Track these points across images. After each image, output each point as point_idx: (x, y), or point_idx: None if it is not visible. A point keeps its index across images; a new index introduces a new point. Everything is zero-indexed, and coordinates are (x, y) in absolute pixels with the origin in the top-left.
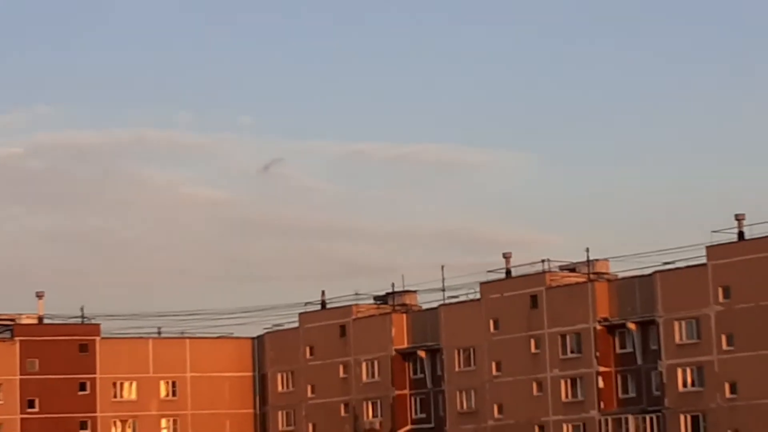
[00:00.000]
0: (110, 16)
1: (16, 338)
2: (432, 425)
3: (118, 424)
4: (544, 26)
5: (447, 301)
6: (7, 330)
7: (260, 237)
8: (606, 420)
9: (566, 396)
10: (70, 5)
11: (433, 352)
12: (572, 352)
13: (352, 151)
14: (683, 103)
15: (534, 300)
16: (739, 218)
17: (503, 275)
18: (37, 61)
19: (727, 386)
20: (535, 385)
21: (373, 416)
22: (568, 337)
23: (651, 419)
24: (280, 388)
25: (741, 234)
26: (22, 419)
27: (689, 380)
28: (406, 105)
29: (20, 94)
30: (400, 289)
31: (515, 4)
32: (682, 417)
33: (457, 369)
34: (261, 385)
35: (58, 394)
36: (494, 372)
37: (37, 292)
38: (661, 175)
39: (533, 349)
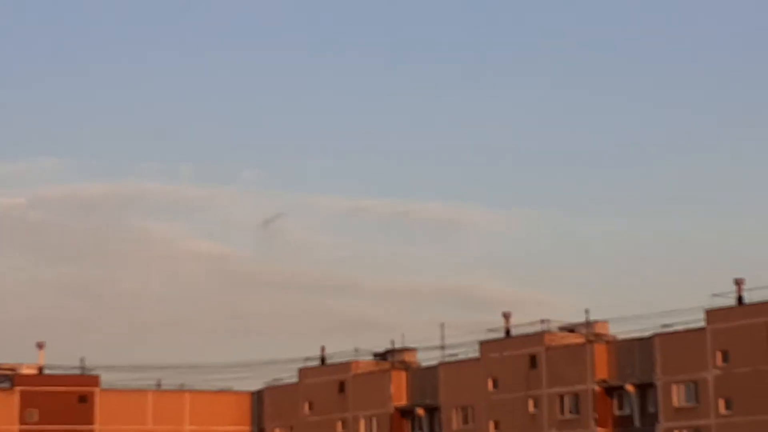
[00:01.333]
0: (114, 70)
1: (16, 388)
2: None
3: None
4: (542, 84)
5: (446, 360)
6: (7, 380)
7: (260, 291)
8: None
9: None
10: (74, 60)
11: (432, 410)
12: (570, 412)
13: (353, 207)
14: (683, 164)
15: (533, 360)
16: (738, 282)
17: (503, 335)
18: (40, 114)
19: None
20: None
21: None
22: (566, 398)
23: None
24: None
25: (740, 298)
26: None
27: None
28: (407, 163)
29: (24, 146)
30: (400, 346)
31: (512, 64)
32: None
33: (455, 427)
34: None
35: None
36: (492, 431)
37: (37, 342)
38: (661, 237)
39: (531, 409)
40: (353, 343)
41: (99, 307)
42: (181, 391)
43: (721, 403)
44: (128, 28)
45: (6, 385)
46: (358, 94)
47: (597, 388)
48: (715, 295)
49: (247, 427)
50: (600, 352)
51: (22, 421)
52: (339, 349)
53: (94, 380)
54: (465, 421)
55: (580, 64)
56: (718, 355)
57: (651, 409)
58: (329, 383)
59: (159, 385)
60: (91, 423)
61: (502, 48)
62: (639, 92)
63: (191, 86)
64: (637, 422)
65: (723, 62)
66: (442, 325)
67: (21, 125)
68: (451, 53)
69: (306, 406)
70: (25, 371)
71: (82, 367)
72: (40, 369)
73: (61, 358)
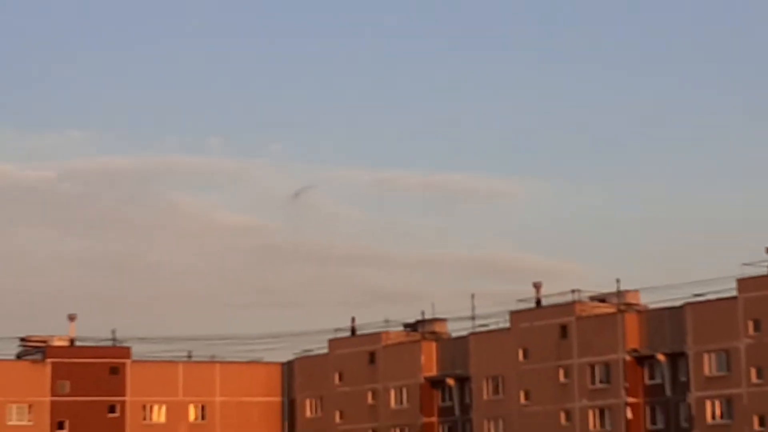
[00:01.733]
0: (142, 43)
1: (48, 360)
2: None
3: None
4: (569, 54)
5: (477, 330)
6: (38, 352)
7: (290, 263)
8: None
9: (594, 426)
10: (102, 33)
11: (462, 381)
12: (601, 382)
13: (382, 178)
14: (714, 134)
15: (564, 330)
16: None
17: (533, 305)
18: (69, 87)
19: (756, 419)
20: (563, 415)
21: None
22: (597, 368)
23: None
24: (308, 413)
25: None
26: None
27: (718, 413)
28: (436, 133)
29: (53, 119)
30: (430, 316)
31: (540, 32)
32: None
33: (485, 397)
34: (290, 410)
35: (88, 416)
36: (523, 401)
37: (69, 315)
38: (692, 206)
39: (562, 379)
40: (383, 314)
41: (129, 279)
42: (211, 362)
43: (753, 372)
44: (154, 5)
45: (38, 357)
46: (383, 67)
47: (628, 357)
48: (746, 264)
49: (277, 398)
50: (631, 321)
51: (54, 393)
52: (369, 320)
53: (125, 352)
54: (495, 391)
55: (600, 34)
56: (750, 324)
57: (682, 379)
58: (359, 354)
59: (190, 356)
60: (122, 394)
61: (536, 14)
62: (665, 63)
63: (218, 60)
64: (668, 391)
65: (744, 29)
66: (472, 296)
67: (50, 99)
68: (482, 20)
69: (336, 377)
70: (57, 343)
71: (114, 339)
72: (72, 341)
73: (91, 331)
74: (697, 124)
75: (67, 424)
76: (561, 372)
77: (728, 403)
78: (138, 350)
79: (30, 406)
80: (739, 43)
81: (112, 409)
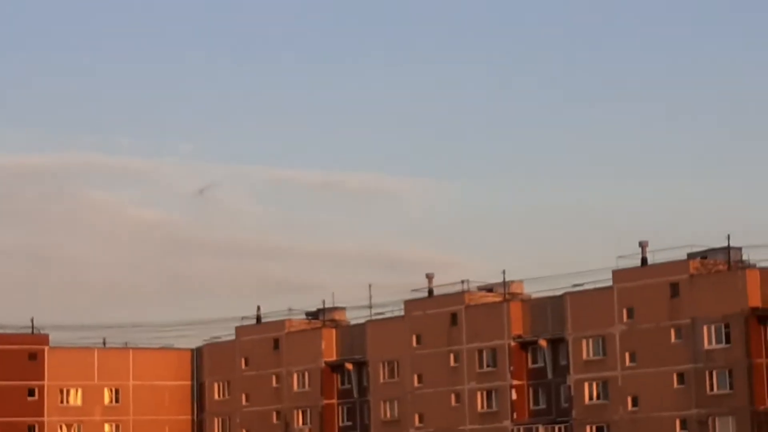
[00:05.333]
0: (57, 43)
1: None
2: None
3: (64, 428)
4: (462, 56)
5: (373, 318)
6: None
7: (198, 255)
8: (518, 429)
9: (482, 407)
10: (16, 31)
11: (360, 365)
12: (488, 366)
13: (282, 177)
14: (589, 132)
15: (454, 318)
16: (642, 245)
17: (426, 294)
18: None
19: (629, 399)
20: (453, 397)
21: (303, 424)
22: (484, 353)
23: (560, 429)
24: (216, 396)
25: (644, 260)
26: None
27: (595, 394)
28: (333, 134)
29: None
30: (330, 305)
31: (435, 36)
32: (588, 428)
33: (381, 380)
34: (199, 393)
35: (8, 400)
36: (416, 384)
37: None
38: (570, 202)
39: (452, 363)
40: (287, 303)
41: (47, 270)
42: (125, 348)
43: (627, 356)
44: (71, 5)
45: None
46: (282, 70)
47: (513, 343)
48: (621, 256)
49: (187, 382)
50: (515, 309)
51: None
52: (274, 309)
53: (43, 339)
54: (391, 374)
55: (495, 36)
56: (624, 312)
57: (563, 362)
58: (264, 340)
59: (104, 343)
60: (41, 379)
61: (426, 22)
62: (546, 61)
63: (129, 66)
64: (549, 374)
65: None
66: (369, 286)
67: None
68: (376, 25)
69: (242, 362)
70: None
71: (32, 327)
72: None
73: (11, 319)
74: (572, 121)
75: None
76: (451, 356)
77: (604, 384)
78: (55, 337)
79: None
80: (630, 39)
81: (31, 393)
